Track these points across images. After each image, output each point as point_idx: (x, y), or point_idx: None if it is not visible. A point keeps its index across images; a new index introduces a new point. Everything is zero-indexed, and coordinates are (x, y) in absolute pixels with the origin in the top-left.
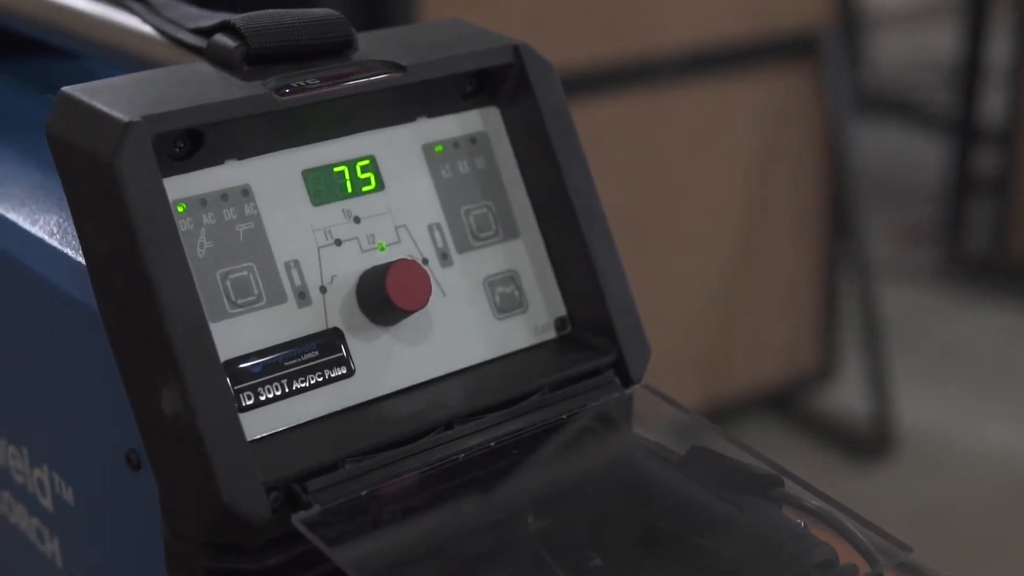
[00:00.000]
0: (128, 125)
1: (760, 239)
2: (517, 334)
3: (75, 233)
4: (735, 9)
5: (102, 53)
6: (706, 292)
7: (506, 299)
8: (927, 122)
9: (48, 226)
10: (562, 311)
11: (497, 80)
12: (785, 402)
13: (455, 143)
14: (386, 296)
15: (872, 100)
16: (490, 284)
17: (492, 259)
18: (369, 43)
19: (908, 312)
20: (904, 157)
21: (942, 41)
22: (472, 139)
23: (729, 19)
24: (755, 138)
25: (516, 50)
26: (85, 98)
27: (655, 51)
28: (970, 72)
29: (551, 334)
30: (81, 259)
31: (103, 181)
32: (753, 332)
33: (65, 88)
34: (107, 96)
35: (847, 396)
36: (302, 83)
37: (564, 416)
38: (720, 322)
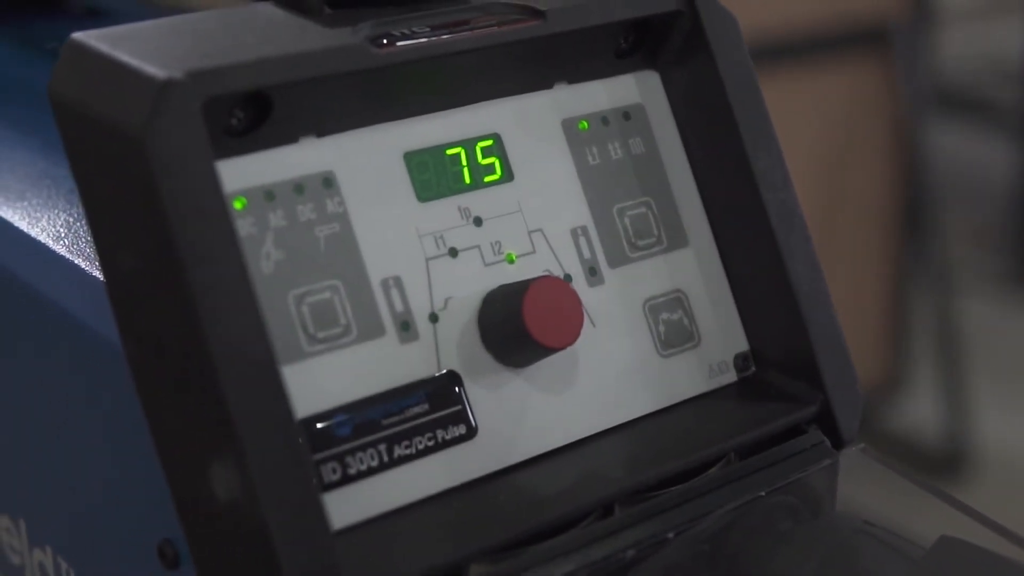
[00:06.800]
0: (167, 84)
1: (826, 240)
2: (687, 377)
3: (90, 238)
4: None
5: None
6: None
7: (673, 329)
8: (995, 121)
9: (54, 228)
10: (744, 345)
11: (660, 35)
12: None
13: (604, 119)
14: (522, 327)
15: (937, 98)
16: (652, 309)
17: (654, 275)
18: None
19: (976, 320)
20: (970, 158)
21: (1011, 38)
22: (625, 114)
23: (799, 6)
24: (823, 133)
25: None
26: (104, 48)
27: None
28: None
29: (731, 376)
30: (98, 274)
31: (129, 164)
32: None
33: (76, 35)
34: (135, 45)
35: (918, 411)
36: (405, 31)
37: (762, 493)
38: None
